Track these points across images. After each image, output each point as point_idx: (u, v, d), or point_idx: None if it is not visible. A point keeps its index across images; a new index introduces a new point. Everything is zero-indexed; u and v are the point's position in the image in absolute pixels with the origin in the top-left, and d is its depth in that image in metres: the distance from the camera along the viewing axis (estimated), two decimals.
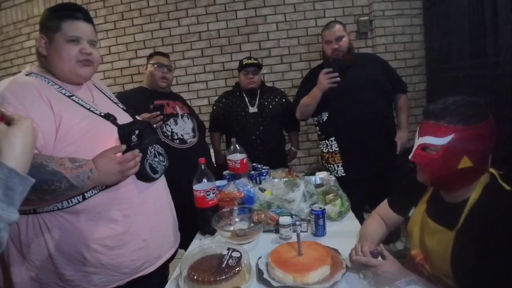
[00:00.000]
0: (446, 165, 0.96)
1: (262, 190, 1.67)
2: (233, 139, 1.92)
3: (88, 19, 1.18)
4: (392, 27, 3.05)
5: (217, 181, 1.65)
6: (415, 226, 1.15)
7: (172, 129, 1.92)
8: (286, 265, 1.06)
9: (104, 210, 1.09)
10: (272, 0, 3.17)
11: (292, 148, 2.63)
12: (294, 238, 1.19)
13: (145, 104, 1.88)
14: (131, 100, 1.80)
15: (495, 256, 0.87)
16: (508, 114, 1.94)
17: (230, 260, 1.07)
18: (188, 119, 2.03)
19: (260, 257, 1.17)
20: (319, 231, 1.37)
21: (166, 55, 2.25)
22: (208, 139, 2.83)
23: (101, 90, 1.33)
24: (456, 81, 2.58)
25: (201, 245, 1.31)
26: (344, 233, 1.39)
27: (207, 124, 2.75)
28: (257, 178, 1.93)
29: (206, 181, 1.43)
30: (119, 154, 1.08)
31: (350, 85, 2.02)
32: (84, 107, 1.13)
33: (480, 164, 0.97)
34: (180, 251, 1.48)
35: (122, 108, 1.34)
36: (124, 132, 1.14)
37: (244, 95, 2.48)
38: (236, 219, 1.51)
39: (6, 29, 3.40)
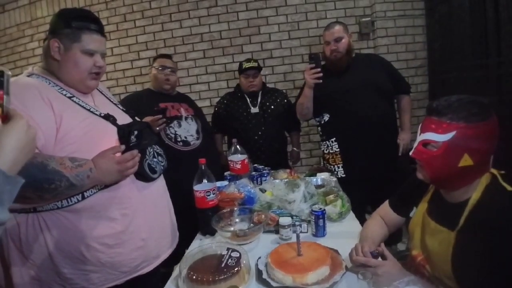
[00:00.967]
0: (446, 162, 0.95)
1: (263, 190, 1.67)
2: (234, 140, 1.92)
3: (103, 32, 1.21)
4: (394, 28, 3.04)
5: (217, 182, 1.65)
6: (416, 226, 1.14)
7: (175, 131, 1.94)
8: (286, 265, 1.06)
9: (103, 209, 1.10)
10: (274, 2, 3.18)
11: (294, 149, 2.62)
12: (294, 238, 1.18)
13: (152, 106, 1.90)
14: (139, 102, 1.82)
15: (496, 257, 0.86)
16: (510, 114, 1.92)
17: (229, 260, 1.07)
18: (193, 120, 2.05)
19: (259, 258, 1.17)
20: (319, 231, 1.36)
21: (169, 56, 2.27)
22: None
23: (101, 92, 1.35)
24: (458, 81, 2.58)
25: (201, 245, 1.31)
26: (344, 234, 1.38)
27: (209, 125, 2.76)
28: (258, 179, 1.93)
29: (206, 181, 1.43)
30: (118, 154, 1.09)
31: (351, 85, 2.01)
32: (84, 108, 1.15)
33: (481, 164, 0.96)
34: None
35: (122, 109, 1.36)
36: (124, 133, 1.15)
37: (246, 96, 2.48)
38: (237, 220, 1.50)
39: (10, 31, 3.43)
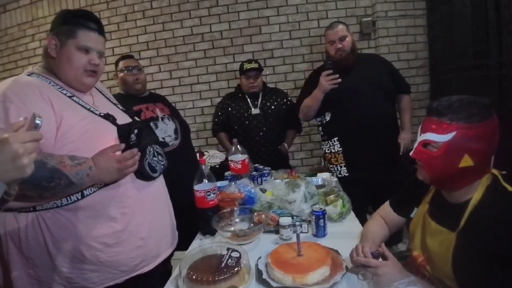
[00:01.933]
0: (446, 163, 0.94)
1: (263, 190, 1.67)
2: (235, 140, 1.92)
3: (102, 32, 1.21)
4: (395, 28, 3.04)
5: (218, 182, 1.65)
6: (417, 227, 1.14)
7: None
8: (286, 265, 1.06)
9: (102, 208, 1.10)
10: (274, 2, 3.18)
11: (284, 144, 2.52)
12: (294, 239, 1.18)
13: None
14: None
15: (496, 258, 0.85)
16: (511, 114, 1.92)
17: (229, 260, 1.07)
18: (169, 120, 2.01)
19: (259, 258, 1.16)
20: (320, 232, 1.36)
21: (131, 56, 2.24)
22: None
23: (101, 92, 1.35)
24: (459, 81, 2.57)
25: (201, 245, 1.30)
26: (345, 234, 1.38)
27: (209, 125, 2.76)
28: (259, 178, 1.92)
29: (206, 181, 1.43)
30: (118, 153, 1.09)
31: (353, 85, 2.01)
32: (84, 107, 1.15)
33: (482, 164, 0.95)
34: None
35: (121, 109, 1.36)
36: (123, 132, 1.15)
37: (246, 96, 2.48)
38: (237, 220, 1.50)
39: (11, 31, 3.44)
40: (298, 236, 1.13)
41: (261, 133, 2.40)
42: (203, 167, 1.46)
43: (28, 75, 1.13)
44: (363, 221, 1.56)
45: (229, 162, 1.89)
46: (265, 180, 1.90)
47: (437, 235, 1.01)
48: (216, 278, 0.99)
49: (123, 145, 1.11)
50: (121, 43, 3.29)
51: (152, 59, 3.29)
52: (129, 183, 1.15)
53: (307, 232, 1.40)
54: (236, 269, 1.03)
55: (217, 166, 2.59)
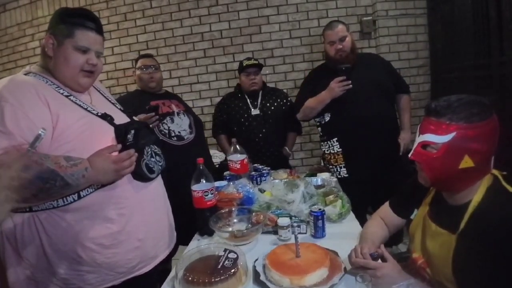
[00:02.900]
0: (446, 164, 0.93)
1: (262, 190, 1.66)
2: (234, 140, 1.91)
3: (100, 31, 1.19)
4: (396, 27, 3.02)
5: (216, 182, 1.64)
6: (417, 228, 1.13)
7: (169, 127, 1.96)
8: (283, 267, 1.05)
9: (99, 209, 1.09)
10: (274, 1, 3.17)
11: (286, 148, 2.53)
12: (293, 239, 1.17)
13: (142, 106, 1.91)
14: (129, 103, 1.83)
15: (497, 261, 0.84)
16: None
17: (226, 262, 1.06)
18: (184, 115, 2.07)
19: (257, 259, 1.15)
20: (318, 232, 1.35)
21: (150, 55, 2.29)
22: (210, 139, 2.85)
23: (99, 91, 1.34)
24: (460, 81, 2.56)
25: (199, 245, 1.30)
26: (344, 235, 1.37)
27: (209, 125, 2.75)
28: (258, 178, 1.91)
29: (204, 181, 1.42)
30: (115, 153, 1.08)
31: (354, 85, 2.00)
32: (82, 107, 1.14)
33: (482, 165, 0.94)
34: (182, 247, 1.47)
35: (120, 109, 1.34)
36: (120, 132, 1.15)
37: (246, 96, 2.46)
38: (235, 220, 1.49)
39: (11, 30, 3.44)
40: (296, 237, 1.12)
41: (260, 135, 2.39)
42: (201, 166, 1.45)
43: (25, 74, 1.12)
44: (363, 221, 1.55)
45: (228, 162, 1.89)
46: (264, 180, 1.89)
47: (437, 237, 1.00)
48: (213, 280, 0.98)
49: (119, 146, 1.10)
50: (120, 42, 3.28)
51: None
52: (126, 184, 1.14)
53: (306, 233, 1.39)
54: (233, 271, 1.02)
55: (217, 166, 2.58)
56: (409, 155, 1.01)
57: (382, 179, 2.02)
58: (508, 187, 0.93)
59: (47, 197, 1.00)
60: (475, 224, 0.91)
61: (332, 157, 2.14)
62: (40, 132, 0.72)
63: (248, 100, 2.45)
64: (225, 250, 1.12)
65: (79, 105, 1.13)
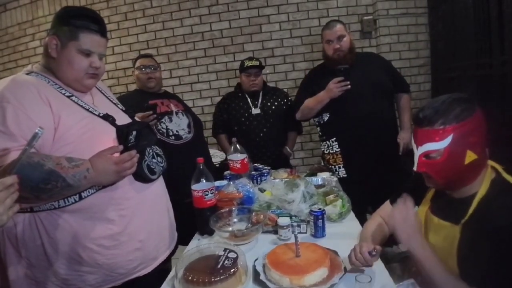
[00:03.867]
0: (453, 165, 0.97)
1: (262, 190, 1.66)
2: (234, 139, 1.91)
3: (104, 34, 1.18)
4: (396, 26, 3.01)
5: (216, 181, 1.64)
6: (418, 225, 1.13)
7: (167, 126, 1.96)
8: (283, 266, 1.05)
9: (100, 210, 1.09)
10: (275, 0, 3.16)
11: (287, 148, 2.52)
12: (293, 239, 1.17)
13: (141, 105, 1.93)
14: (128, 102, 1.83)
15: (501, 247, 0.86)
16: None
17: (226, 261, 1.06)
18: (183, 115, 2.06)
19: (257, 258, 1.16)
20: (319, 232, 1.35)
21: (149, 55, 2.29)
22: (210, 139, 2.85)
23: (101, 91, 1.33)
24: (461, 80, 2.55)
25: (198, 245, 1.30)
26: (344, 234, 1.37)
27: (209, 125, 2.75)
28: (258, 178, 1.91)
29: (204, 181, 1.42)
30: (117, 155, 1.08)
31: (352, 85, 1.99)
32: (83, 107, 1.14)
33: (483, 153, 0.99)
34: (182, 247, 1.47)
35: (122, 109, 1.34)
36: (122, 133, 1.14)
37: (247, 96, 2.46)
38: (235, 220, 1.49)
39: (11, 30, 3.44)
40: (296, 237, 1.12)
41: (261, 134, 2.38)
42: (201, 166, 1.45)
43: (27, 73, 1.12)
44: (363, 221, 1.55)
45: (228, 162, 1.89)
46: (264, 180, 1.89)
47: (440, 231, 1.03)
48: (212, 279, 0.98)
49: (121, 147, 1.10)
50: (121, 42, 3.29)
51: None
52: (127, 185, 1.14)
53: (306, 233, 1.39)
54: (232, 270, 1.03)
55: (217, 165, 2.58)
56: (414, 168, 1.03)
57: (381, 179, 2.02)
58: (510, 178, 0.98)
59: (49, 198, 1.00)
60: (480, 214, 0.95)
61: (331, 157, 2.14)
62: (37, 130, 0.71)
63: (249, 100, 2.44)
64: (225, 249, 1.13)
65: (81, 106, 1.13)
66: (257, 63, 2.42)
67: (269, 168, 2.04)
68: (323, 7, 3.14)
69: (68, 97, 1.12)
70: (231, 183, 1.70)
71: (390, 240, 1.31)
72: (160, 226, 1.28)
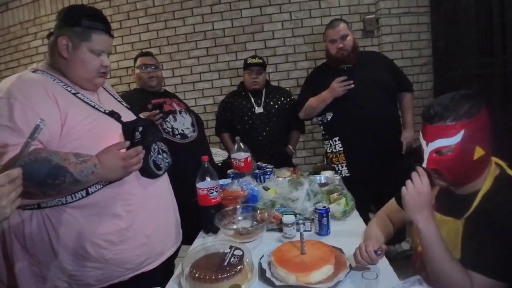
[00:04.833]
0: (463, 161, 0.98)
1: (266, 188, 1.66)
2: (237, 138, 1.92)
3: (110, 32, 1.21)
4: (398, 25, 3.02)
5: (220, 180, 1.64)
6: None
7: (172, 125, 1.96)
8: (289, 264, 1.05)
9: (107, 206, 1.10)
10: None
11: (289, 146, 2.52)
12: (297, 237, 1.17)
13: (142, 104, 1.92)
14: (129, 101, 1.83)
15: (505, 240, 0.88)
16: None
17: (232, 259, 1.07)
18: (186, 114, 2.07)
19: (262, 256, 1.16)
20: (323, 230, 1.35)
21: (149, 54, 2.27)
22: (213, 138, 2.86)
23: (105, 89, 1.34)
24: (463, 79, 2.55)
25: (204, 243, 1.30)
26: (349, 232, 1.37)
27: (212, 124, 2.75)
28: (261, 177, 1.92)
29: (209, 179, 1.43)
30: (123, 150, 1.09)
31: (354, 84, 2.00)
32: (89, 104, 1.15)
33: (489, 149, 1.01)
34: (185, 247, 1.48)
35: (126, 107, 1.36)
36: (128, 129, 1.15)
37: (250, 95, 2.47)
38: (240, 218, 1.50)
39: (13, 29, 3.45)
40: (301, 235, 1.13)
41: (264, 133, 2.39)
42: (206, 164, 1.45)
43: (33, 71, 1.13)
44: (365, 220, 1.55)
45: (232, 160, 1.89)
46: (268, 178, 1.89)
47: (443, 226, 1.04)
48: (219, 276, 0.99)
49: (128, 143, 1.11)
50: (123, 41, 3.29)
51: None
52: (134, 180, 1.15)
53: (310, 231, 1.40)
54: (239, 267, 1.03)
55: (219, 164, 2.58)
56: (424, 165, 1.03)
57: (384, 178, 2.02)
58: None
59: (56, 194, 1.01)
60: (484, 208, 0.96)
61: (334, 156, 2.15)
62: (38, 122, 0.71)
63: (252, 99, 2.45)
64: (230, 247, 1.13)
65: (87, 103, 1.14)
66: (260, 61, 2.43)
67: (272, 166, 2.05)
68: (325, 6, 3.14)
69: (74, 94, 1.13)
70: (235, 181, 1.71)
71: (392, 239, 1.32)
72: (166, 222, 1.29)
